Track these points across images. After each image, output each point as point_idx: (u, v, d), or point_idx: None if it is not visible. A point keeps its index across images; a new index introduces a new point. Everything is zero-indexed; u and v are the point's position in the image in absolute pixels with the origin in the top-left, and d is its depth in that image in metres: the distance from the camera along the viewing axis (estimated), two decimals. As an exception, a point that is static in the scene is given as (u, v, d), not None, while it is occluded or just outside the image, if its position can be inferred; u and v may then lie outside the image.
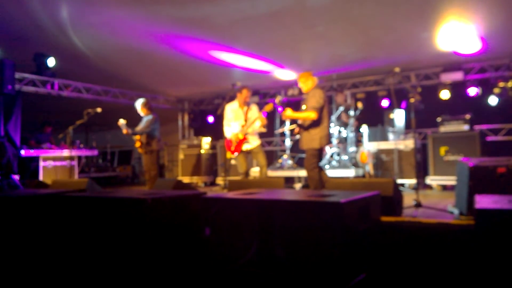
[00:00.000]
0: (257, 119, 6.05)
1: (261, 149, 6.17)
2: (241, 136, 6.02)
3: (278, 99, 5.88)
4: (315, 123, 5.15)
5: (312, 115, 5.08)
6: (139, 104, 6.87)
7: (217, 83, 9.67)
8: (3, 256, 3.51)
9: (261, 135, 6.48)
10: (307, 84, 5.36)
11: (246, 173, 6.20)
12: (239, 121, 6.13)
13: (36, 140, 8.74)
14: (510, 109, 7.72)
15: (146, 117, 6.76)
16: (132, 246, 2.94)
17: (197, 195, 3.27)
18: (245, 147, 6.07)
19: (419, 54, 7.54)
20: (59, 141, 8.93)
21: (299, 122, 5.38)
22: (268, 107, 5.80)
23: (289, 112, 5.31)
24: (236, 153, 6.11)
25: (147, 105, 6.84)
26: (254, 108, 6.22)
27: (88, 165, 10.44)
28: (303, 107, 5.36)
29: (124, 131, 6.58)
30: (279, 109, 5.73)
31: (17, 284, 3.32)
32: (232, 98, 6.38)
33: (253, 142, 6.11)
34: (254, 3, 5.42)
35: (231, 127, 6.19)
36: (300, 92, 9.67)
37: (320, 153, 5.28)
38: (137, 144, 6.75)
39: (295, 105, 9.34)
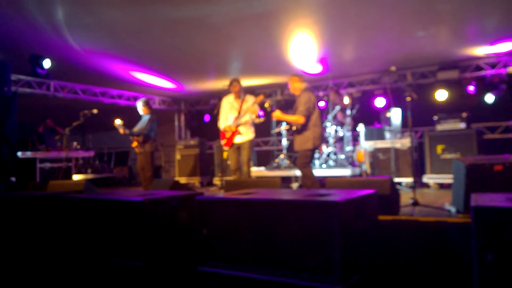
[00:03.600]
0: (248, 111, 6.11)
1: (250, 145, 6.18)
2: (233, 128, 6.10)
3: (267, 103, 6.05)
4: (306, 125, 5.35)
5: (300, 120, 5.32)
6: (140, 103, 7.01)
7: (213, 83, 9.67)
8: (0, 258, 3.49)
9: (258, 134, 6.51)
10: (295, 87, 5.60)
11: (236, 170, 6.23)
12: (235, 113, 6.21)
13: (39, 139, 8.67)
14: (506, 107, 7.75)
15: (145, 116, 6.84)
16: (130, 247, 2.93)
17: (194, 195, 3.26)
18: (237, 139, 6.14)
19: (415, 52, 7.55)
20: (55, 143, 8.90)
21: (291, 124, 5.58)
22: (259, 98, 6.03)
23: (278, 114, 5.58)
24: (227, 147, 6.20)
25: (147, 105, 6.96)
26: (249, 99, 6.26)
27: (85, 166, 10.41)
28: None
29: (121, 131, 6.63)
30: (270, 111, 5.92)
31: (15, 285, 3.31)
32: (228, 93, 6.47)
33: (245, 136, 6.15)
34: (250, 3, 5.41)
35: (226, 120, 6.27)
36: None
37: (313, 153, 5.45)
38: (134, 144, 6.79)
39: (292, 103, 9.37)
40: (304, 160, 5.36)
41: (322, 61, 7.69)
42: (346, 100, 8.07)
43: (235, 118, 6.17)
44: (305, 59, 7.73)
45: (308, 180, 5.31)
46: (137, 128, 6.79)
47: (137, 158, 7.02)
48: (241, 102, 6.22)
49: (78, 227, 3.27)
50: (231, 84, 6.25)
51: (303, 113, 5.31)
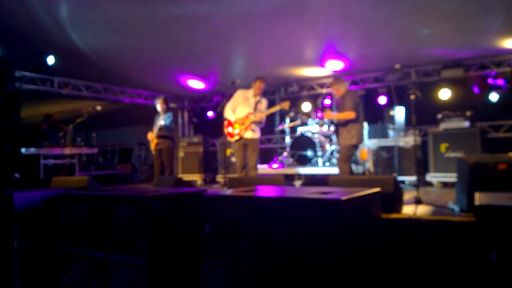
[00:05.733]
0: (263, 115, 6.16)
1: (257, 145, 6.17)
2: (247, 123, 6.06)
3: (318, 101, 6.22)
4: (353, 121, 5.64)
5: (351, 115, 5.63)
6: (159, 100, 7.13)
7: (216, 80, 9.67)
8: (3, 255, 3.51)
9: (262, 132, 6.51)
10: (339, 89, 5.87)
11: (242, 168, 6.22)
12: (248, 108, 6.16)
13: (43, 135, 8.69)
14: (510, 105, 7.71)
15: (167, 114, 6.99)
16: (132, 244, 2.94)
17: (197, 192, 3.27)
18: (247, 134, 6.10)
19: (419, 50, 7.52)
20: (59, 139, 8.93)
21: (336, 121, 5.88)
22: (285, 105, 6.16)
23: (329, 114, 5.97)
24: (234, 138, 6.16)
25: (166, 102, 7.13)
26: (264, 102, 6.25)
27: (89, 163, 10.42)
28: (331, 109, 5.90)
29: (158, 125, 6.92)
30: (319, 114, 6.43)
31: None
32: (231, 96, 6.46)
33: (256, 133, 6.17)
34: (254, 1, 5.41)
35: (236, 111, 6.22)
36: (300, 89, 9.69)
37: (355, 149, 5.79)
38: (155, 141, 6.89)
39: (295, 101, 9.35)
40: (345, 155, 5.64)
41: (333, 52, 7.62)
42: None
43: (248, 113, 6.12)
44: (312, 56, 7.73)
45: (345, 174, 5.50)
46: (163, 123, 6.92)
47: (156, 154, 7.07)
48: (257, 102, 6.21)
49: (81, 224, 3.28)
50: (256, 80, 6.18)
51: (353, 108, 5.60)
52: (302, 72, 8.88)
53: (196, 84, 9.80)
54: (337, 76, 6.07)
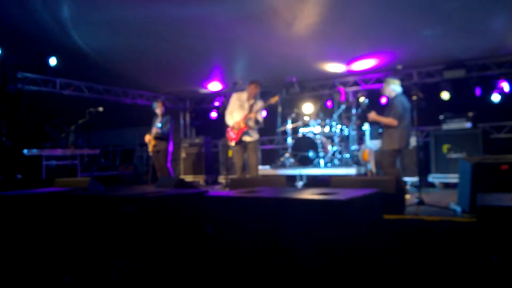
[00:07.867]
0: (257, 114, 6.17)
1: (257, 146, 6.21)
2: (242, 125, 6.12)
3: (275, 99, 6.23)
4: (397, 127, 5.51)
5: (394, 123, 5.51)
6: (157, 103, 7.25)
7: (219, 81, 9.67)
8: (4, 255, 3.51)
9: (263, 133, 6.54)
10: (389, 92, 5.79)
11: (242, 169, 6.25)
12: (244, 112, 6.22)
13: (45, 136, 8.71)
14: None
15: (165, 117, 7.06)
16: (135, 245, 2.94)
17: (199, 193, 3.26)
18: (244, 137, 6.16)
19: (421, 51, 7.51)
20: (61, 140, 8.92)
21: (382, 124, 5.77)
22: (274, 99, 6.20)
23: (374, 116, 5.79)
24: (233, 142, 6.21)
25: (164, 105, 7.20)
26: (259, 104, 6.28)
27: (90, 164, 10.44)
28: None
29: (154, 130, 6.97)
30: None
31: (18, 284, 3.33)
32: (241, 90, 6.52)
33: (254, 135, 6.20)
34: (255, 1, 5.41)
35: (233, 116, 6.28)
36: (301, 90, 9.66)
37: (399, 153, 5.65)
38: (153, 142, 6.94)
39: (293, 101, 9.34)
40: (389, 159, 5.53)
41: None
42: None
43: (244, 116, 6.17)
44: (313, 57, 7.73)
45: None
46: (159, 126, 6.99)
47: (154, 156, 7.17)
48: (252, 104, 6.25)
49: (83, 224, 3.28)
50: (250, 84, 6.28)
51: (397, 115, 5.48)
52: (303, 72, 8.87)
53: (211, 85, 9.87)
54: (390, 77, 5.95)
